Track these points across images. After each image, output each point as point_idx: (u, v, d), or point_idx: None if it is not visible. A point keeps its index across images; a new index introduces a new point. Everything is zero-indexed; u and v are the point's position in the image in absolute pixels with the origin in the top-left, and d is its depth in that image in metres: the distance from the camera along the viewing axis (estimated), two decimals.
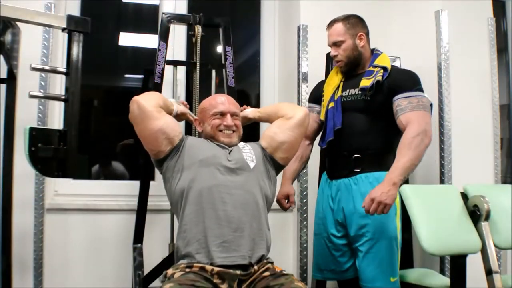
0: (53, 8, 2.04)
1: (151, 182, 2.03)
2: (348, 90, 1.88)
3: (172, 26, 2.03)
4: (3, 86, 1.73)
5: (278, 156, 1.66)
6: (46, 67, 1.93)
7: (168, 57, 2.02)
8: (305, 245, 2.32)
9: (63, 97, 1.65)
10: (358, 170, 1.80)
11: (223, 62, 2.05)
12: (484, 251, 1.61)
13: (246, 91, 2.80)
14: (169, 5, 2.45)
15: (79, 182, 2.25)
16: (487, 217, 1.62)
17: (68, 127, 1.61)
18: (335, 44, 1.88)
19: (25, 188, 1.96)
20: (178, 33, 2.41)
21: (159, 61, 1.95)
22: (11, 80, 1.72)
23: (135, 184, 2.04)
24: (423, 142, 1.68)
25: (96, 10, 2.45)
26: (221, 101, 1.67)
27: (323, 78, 2.19)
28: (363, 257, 1.75)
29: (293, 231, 2.43)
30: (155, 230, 2.16)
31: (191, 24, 2.03)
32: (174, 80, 2.06)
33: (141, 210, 1.97)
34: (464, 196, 1.73)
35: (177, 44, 2.42)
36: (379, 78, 1.77)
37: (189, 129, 2.12)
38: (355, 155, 1.81)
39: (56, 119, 2.19)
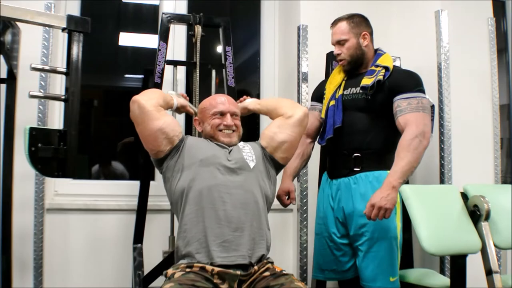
0: (53, 8, 2.04)
1: (151, 182, 2.03)
2: (349, 89, 1.88)
3: (172, 26, 2.03)
4: (3, 86, 1.74)
5: (278, 156, 1.66)
6: (46, 67, 1.93)
7: (168, 57, 2.03)
8: (305, 245, 2.32)
9: (63, 97, 1.65)
10: (358, 169, 1.80)
11: (223, 62, 2.05)
12: (484, 251, 1.60)
13: (246, 91, 2.79)
14: (169, 5, 2.45)
15: (79, 182, 2.25)
16: (487, 217, 1.61)
17: (68, 127, 1.61)
18: (339, 43, 1.87)
19: (25, 188, 1.96)
20: (178, 33, 2.42)
21: (159, 61, 1.95)
22: (11, 80, 1.73)
23: (135, 184, 2.04)
24: (421, 144, 1.68)
25: (96, 10, 2.45)
26: (221, 101, 1.67)
27: (323, 78, 2.20)
28: (363, 256, 1.75)
29: (293, 231, 2.43)
30: (155, 230, 2.17)
31: (191, 24, 2.04)
32: (174, 80, 2.06)
33: (141, 210, 1.97)
34: (464, 196, 1.72)
35: (177, 44, 2.42)
36: (380, 77, 1.77)
37: (189, 129, 2.12)
38: (355, 154, 1.81)
39: (56, 119, 2.19)
